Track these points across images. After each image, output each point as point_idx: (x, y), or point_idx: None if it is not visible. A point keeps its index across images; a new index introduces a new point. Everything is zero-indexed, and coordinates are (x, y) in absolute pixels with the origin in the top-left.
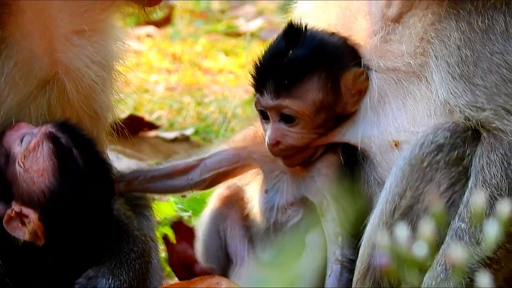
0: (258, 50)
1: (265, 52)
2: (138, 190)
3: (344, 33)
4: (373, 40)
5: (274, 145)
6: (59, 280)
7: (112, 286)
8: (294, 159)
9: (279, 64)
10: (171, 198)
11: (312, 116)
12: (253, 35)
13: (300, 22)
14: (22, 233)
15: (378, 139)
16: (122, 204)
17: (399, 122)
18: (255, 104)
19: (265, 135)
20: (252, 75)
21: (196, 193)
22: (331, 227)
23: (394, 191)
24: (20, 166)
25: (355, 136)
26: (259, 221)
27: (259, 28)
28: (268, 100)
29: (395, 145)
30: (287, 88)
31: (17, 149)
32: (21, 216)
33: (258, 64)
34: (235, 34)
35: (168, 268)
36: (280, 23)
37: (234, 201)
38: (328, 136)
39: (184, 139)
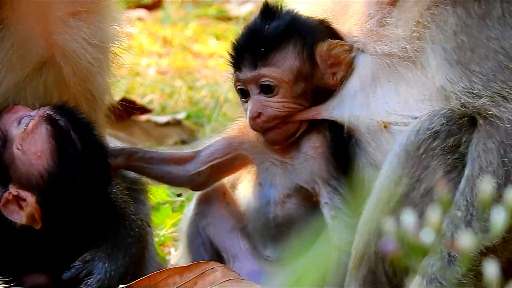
0: None
1: (242, 31)
2: (136, 168)
3: (339, 16)
4: (368, 24)
5: (256, 118)
6: (55, 263)
7: (108, 270)
8: (277, 133)
9: (255, 37)
10: None
11: (291, 84)
12: (244, 19)
13: (276, 3)
14: (20, 217)
15: (367, 119)
16: (120, 189)
17: (390, 105)
18: (234, 84)
19: (246, 112)
20: (229, 53)
21: None
22: (326, 211)
23: (390, 178)
24: (18, 148)
25: (341, 114)
26: (256, 217)
27: (249, 12)
28: (246, 73)
29: (384, 126)
30: (264, 56)
31: (15, 132)
32: (18, 200)
33: (235, 42)
34: (226, 18)
35: (163, 254)
36: None
37: (214, 198)
38: (312, 111)
39: (176, 123)
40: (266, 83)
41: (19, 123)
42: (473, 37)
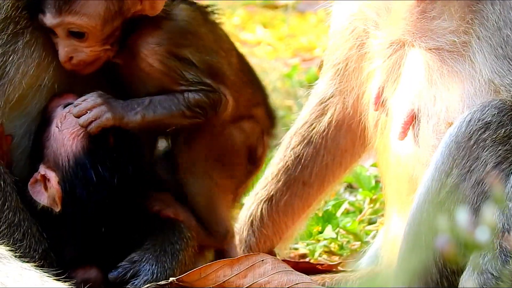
0: (296, 22)
1: None
2: None
3: (384, 10)
4: (412, 17)
5: (67, 62)
6: (102, 258)
7: (155, 271)
8: (90, 69)
9: None
10: None
11: (100, 28)
12: (290, 7)
13: None
14: (43, 197)
15: (429, 114)
16: None
17: (446, 99)
18: (40, 22)
19: (58, 50)
20: None
21: None
22: None
23: (440, 168)
24: (57, 126)
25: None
26: None
27: (296, 0)
28: (51, 19)
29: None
30: (67, 2)
31: (59, 112)
32: (44, 180)
33: None
34: (273, 6)
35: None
36: None
37: None
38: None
39: None
40: (74, 30)
41: (64, 107)
42: None
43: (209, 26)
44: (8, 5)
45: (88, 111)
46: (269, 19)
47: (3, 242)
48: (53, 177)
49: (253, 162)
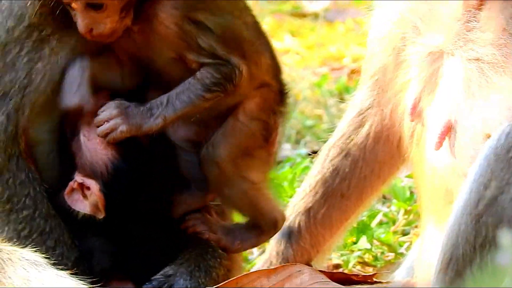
0: (324, 31)
1: None
2: None
3: (426, 18)
4: (455, 27)
5: (87, 33)
6: (137, 270)
7: (189, 286)
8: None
9: None
10: None
11: None
12: (319, 16)
13: None
14: (83, 206)
15: (465, 126)
16: None
17: (485, 111)
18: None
19: (77, 21)
20: None
21: None
22: None
23: (478, 180)
24: (84, 135)
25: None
26: None
27: (325, 9)
28: None
29: (486, 136)
30: None
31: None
32: (83, 188)
33: None
34: (301, 14)
35: (245, 253)
36: (347, 4)
37: None
38: None
39: None
40: (93, 2)
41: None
42: None
43: None
44: (32, 13)
45: (105, 122)
46: (297, 27)
47: (37, 251)
48: (93, 184)
49: (267, 140)
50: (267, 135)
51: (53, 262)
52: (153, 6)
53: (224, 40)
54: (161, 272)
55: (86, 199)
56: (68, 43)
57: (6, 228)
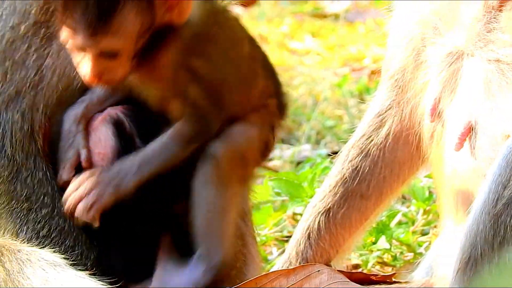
0: (345, 32)
1: None
2: None
3: (447, 18)
4: (476, 27)
5: (93, 80)
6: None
7: None
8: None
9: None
10: (268, 182)
11: (133, 46)
12: (339, 16)
13: None
14: None
15: (486, 127)
16: None
17: (504, 112)
18: (63, 40)
19: (81, 66)
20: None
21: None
22: None
23: (497, 180)
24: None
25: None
26: None
27: (345, 9)
28: (83, 40)
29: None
30: (105, 23)
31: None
32: None
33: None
34: (321, 15)
35: (264, 254)
36: (367, 4)
37: None
38: None
39: None
40: (107, 50)
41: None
42: None
43: (221, 20)
44: (37, 10)
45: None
46: (318, 28)
47: (56, 250)
48: None
49: (264, 156)
50: (265, 152)
51: (72, 262)
52: (160, 50)
53: (212, 91)
54: None
55: None
56: None
57: (25, 228)
